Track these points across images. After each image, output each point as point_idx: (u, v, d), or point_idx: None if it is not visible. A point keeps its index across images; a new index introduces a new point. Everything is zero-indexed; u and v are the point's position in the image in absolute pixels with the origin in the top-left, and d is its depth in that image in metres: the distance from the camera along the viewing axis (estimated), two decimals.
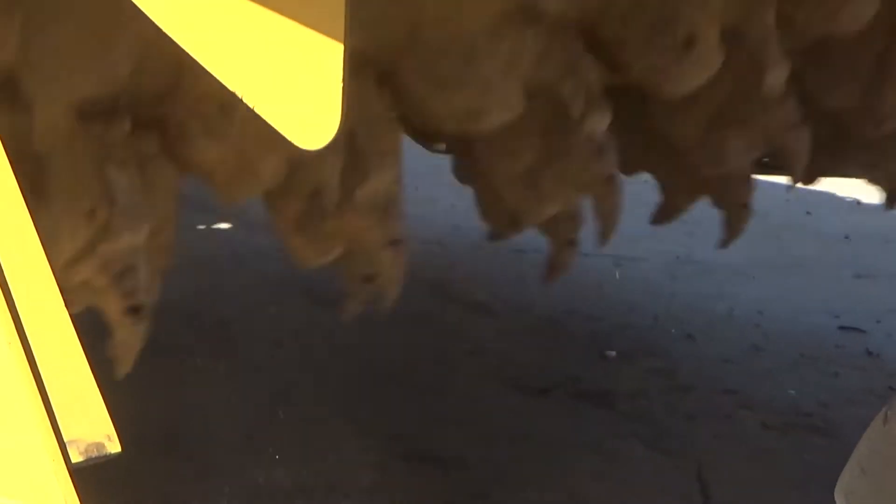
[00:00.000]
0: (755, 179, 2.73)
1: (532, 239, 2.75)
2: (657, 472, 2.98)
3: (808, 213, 5.20)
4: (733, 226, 2.74)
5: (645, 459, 3.02)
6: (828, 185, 3.21)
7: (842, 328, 4.12)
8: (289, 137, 1.10)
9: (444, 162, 2.75)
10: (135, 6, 1.05)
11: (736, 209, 2.71)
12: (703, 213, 2.86)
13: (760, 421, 3.33)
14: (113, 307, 2.06)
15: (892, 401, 1.38)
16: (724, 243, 2.83)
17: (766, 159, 2.69)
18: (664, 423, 3.28)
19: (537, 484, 2.82)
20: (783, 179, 2.87)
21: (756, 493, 2.86)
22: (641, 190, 2.88)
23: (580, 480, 2.88)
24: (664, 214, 2.86)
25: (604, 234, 2.64)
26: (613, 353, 3.80)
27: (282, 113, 1.09)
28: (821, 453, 3.06)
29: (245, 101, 1.17)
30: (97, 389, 1.42)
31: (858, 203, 5.12)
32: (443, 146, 2.68)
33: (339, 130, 1.02)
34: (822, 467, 2.70)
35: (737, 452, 3.10)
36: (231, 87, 1.13)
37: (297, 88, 1.08)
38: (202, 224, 4.27)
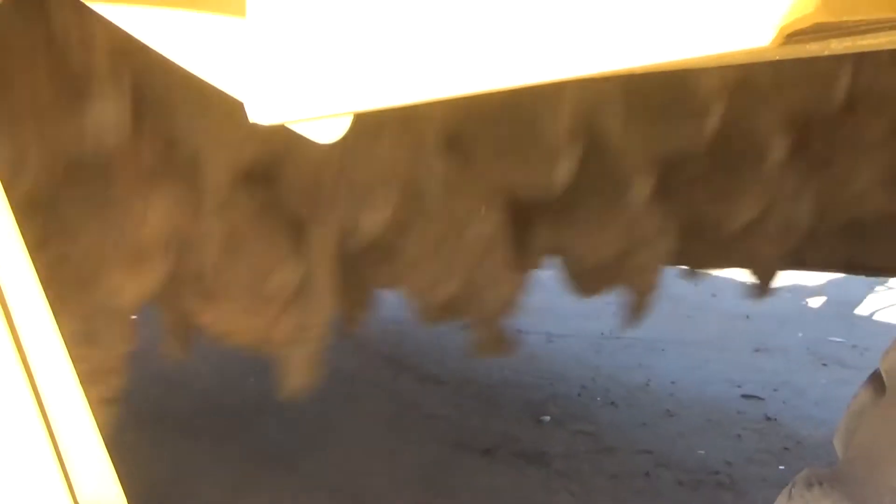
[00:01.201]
0: (663, 268, 2.76)
1: None
2: None
3: (713, 295, 5.48)
4: (640, 308, 2.80)
5: None
6: (730, 271, 3.47)
7: (743, 396, 4.36)
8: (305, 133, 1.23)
9: None
10: None
11: (644, 294, 2.76)
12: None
13: (675, 478, 3.54)
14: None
15: (796, 479, 1.34)
16: (634, 321, 2.86)
17: None
18: (592, 481, 3.48)
19: None
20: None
21: None
22: None
23: None
24: (587, 293, 2.86)
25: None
26: (547, 418, 4.00)
27: None
28: None
29: None
30: (106, 453, 1.37)
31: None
32: None
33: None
34: None
35: None
36: None
37: None
38: None
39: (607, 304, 3.38)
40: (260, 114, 1.13)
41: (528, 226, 2.58)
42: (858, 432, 1.27)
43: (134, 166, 1.89)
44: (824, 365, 4.83)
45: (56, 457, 1.51)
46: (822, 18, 0.71)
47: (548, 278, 2.96)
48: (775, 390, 4.46)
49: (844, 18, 0.75)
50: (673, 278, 3.09)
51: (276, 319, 2.18)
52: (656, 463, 3.69)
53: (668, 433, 3.99)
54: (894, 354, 1.30)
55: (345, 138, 1.14)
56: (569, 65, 0.82)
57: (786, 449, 3.85)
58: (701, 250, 2.82)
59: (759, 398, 4.38)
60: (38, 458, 1.48)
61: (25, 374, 1.29)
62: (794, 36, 0.72)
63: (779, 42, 0.69)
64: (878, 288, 5.75)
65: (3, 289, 1.32)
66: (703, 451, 3.81)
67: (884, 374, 1.28)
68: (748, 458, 3.76)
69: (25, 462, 1.47)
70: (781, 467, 3.66)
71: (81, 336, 1.86)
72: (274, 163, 2.08)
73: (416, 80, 0.99)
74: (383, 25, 1.02)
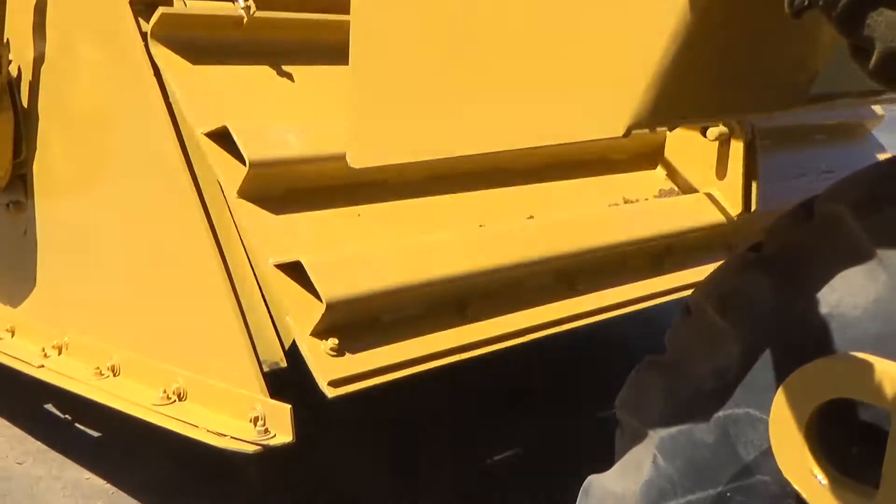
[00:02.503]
0: None
1: None
2: None
3: None
4: None
5: None
6: None
7: None
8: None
9: None
10: None
11: None
12: None
13: None
14: None
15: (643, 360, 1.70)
16: None
17: None
18: None
19: None
20: None
21: None
22: None
23: None
24: None
25: None
26: None
27: None
28: None
29: None
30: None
31: None
32: None
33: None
34: None
35: None
36: None
37: None
38: None
39: None
40: (357, 159, 1.45)
41: None
42: (673, 336, 1.63)
43: None
44: None
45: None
46: (655, 123, 1.15)
47: None
48: None
49: (669, 122, 1.14)
50: None
51: None
52: None
53: None
54: (697, 289, 1.63)
55: None
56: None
57: None
58: None
59: None
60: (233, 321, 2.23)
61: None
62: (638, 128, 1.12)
63: (628, 133, 1.11)
64: None
65: None
66: None
67: (689, 300, 1.62)
68: None
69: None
70: None
71: None
72: None
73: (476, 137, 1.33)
74: (457, 91, 1.28)
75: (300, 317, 2.17)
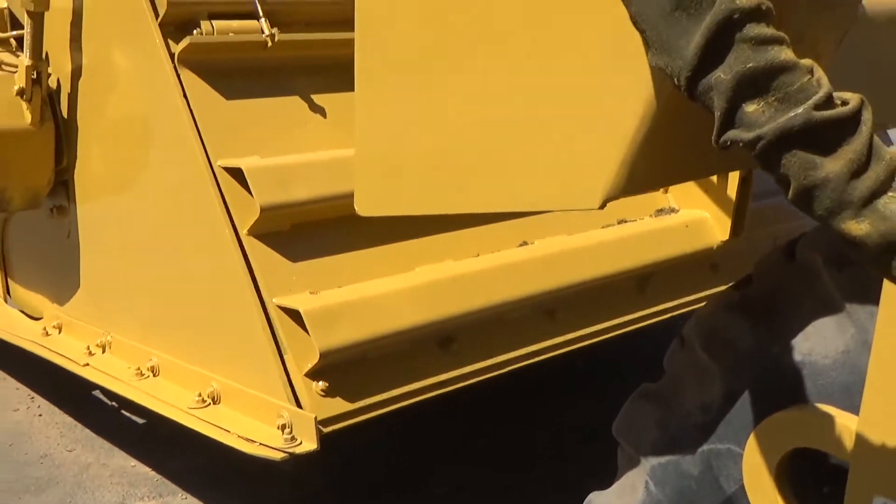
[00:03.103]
0: None
1: None
2: None
3: None
4: None
5: None
6: None
7: None
8: None
9: None
10: None
11: None
12: None
13: None
14: None
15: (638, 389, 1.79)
16: None
17: None
18: None
19: None
20: None
21: None
22: None
23: None
24: None
25: None
26: None
27: None
28: None
29: None
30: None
31: None
32: None
33: None
34: None
35: None
36: None
37: None
38: None
39: None
40: (365, 207, 1.51)
41: None
42: (668, 364, 1.71)
43: None
44: None
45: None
46: (630, 193, 1.20)
47: None
48: None
49: (644, 190, 1.22)
50: None
51: None
52: None
53: None
54: (690, 321, 1.69)
55: None
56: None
57: None
58: None
59: None
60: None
61: None
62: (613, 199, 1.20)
63: (602, 205, 1.20)
64: None
65: None
66: None
67: (684, 332, 1.68)
68: None
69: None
70: None
71: None
72: None
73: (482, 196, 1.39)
74: (461, 151, 1.35)
75: (297, 357, 2.33)
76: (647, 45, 0.98)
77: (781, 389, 1.42)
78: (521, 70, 1.25)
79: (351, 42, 2.61)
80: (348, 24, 2.64)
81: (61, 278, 3.16)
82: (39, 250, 3.29)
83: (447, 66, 1.36)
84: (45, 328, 3.25)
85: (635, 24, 0.98)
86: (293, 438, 2.34)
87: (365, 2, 1.47)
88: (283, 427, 2.36)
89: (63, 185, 2.99)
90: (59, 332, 3.23)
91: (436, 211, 1.50)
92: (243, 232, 2.38)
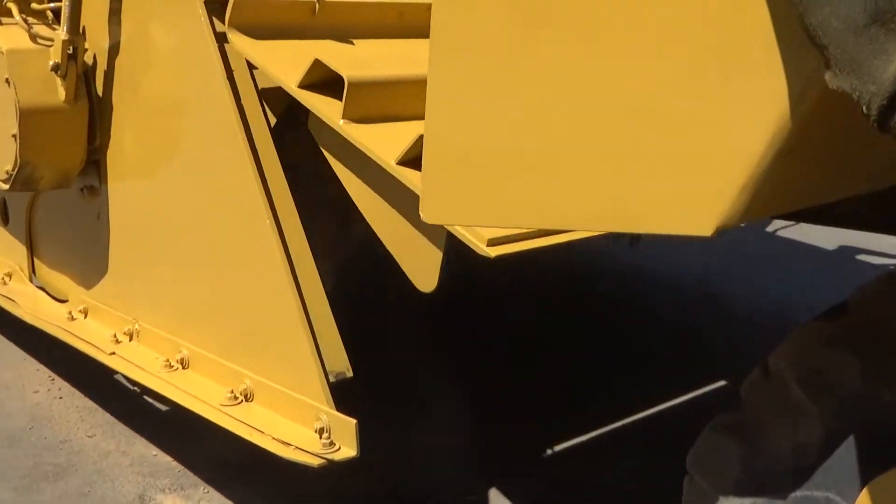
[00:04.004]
0: None
1: None
2: None
3: None
4: None
5: None
6: None
7: None
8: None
9: None
10: None
11: None
12: None
13: None
14: None
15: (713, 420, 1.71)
16: None
17: None
18: None
19: None
20: None
21: None
22: None
23: None
24: None
25: None
26: None
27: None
28: None
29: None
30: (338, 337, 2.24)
31: None
32: None
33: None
34: None
35: None
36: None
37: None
38: None
39: None
40: (430, 214, 1.43)
41: None
42: (750, 394, 1.60)
43: None
44: None
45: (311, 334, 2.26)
46: (741, 222, 1.10)
47: None
48: None
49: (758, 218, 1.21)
50: None
51: None
52: None
53: None
54: (780, 352, 1.58)
55: None
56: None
57: None
58: None
59: None
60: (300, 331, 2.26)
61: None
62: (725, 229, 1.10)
63: (716, 234, 1.10)
64: None
65: None
66: None
67: (770, 362, 1.58)
68: None
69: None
70: None
71: None
72: None
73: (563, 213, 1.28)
74: (552, 162, 1.23)
75: None
76: (827, 63, 0.84)
77: (894, 440, 1.29)
78: (630, 75, 1.13)
79: (400, 7, 2.49)
80: None
81: (89, 261, 3.04)
82: (67, 231, 3.17)
83: (539, 66, 1.23)
84: (70, 312, 3.14)
85: (812, 38, 0.84)
86: (332, 443, 2.23)
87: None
88: (320, 431, 2.25)
89: (95, 164, 2.86)
90: (85, 318, 3.12)
91: (515, 225, 1.39)
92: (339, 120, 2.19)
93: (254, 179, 2.28)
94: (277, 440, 2.30)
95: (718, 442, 1.59)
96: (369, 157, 2.04)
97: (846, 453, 1.36)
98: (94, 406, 3.67)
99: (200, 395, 2.55)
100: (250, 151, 2.29)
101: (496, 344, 4.50)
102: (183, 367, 2.68)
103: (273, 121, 2.37)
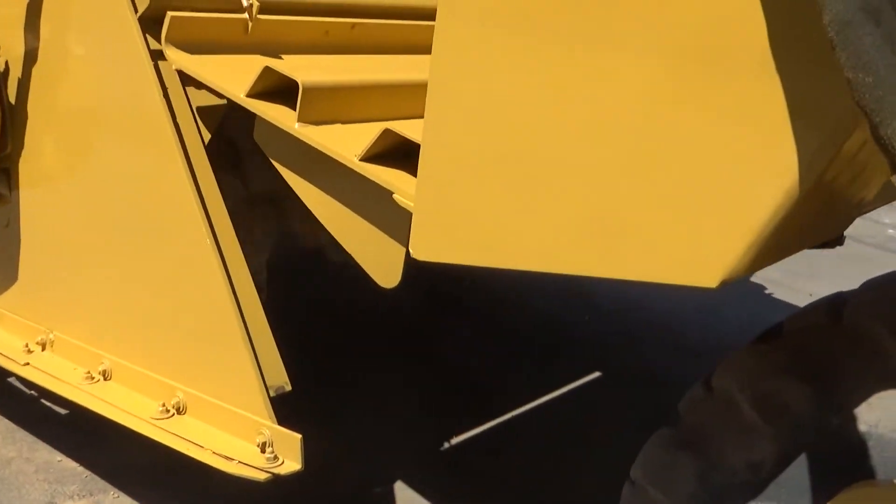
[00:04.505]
0: None
1: None
2: None
3: None
4: None
5: None
6: None
7: None
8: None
9: None
10: None
11: None
12: None
13: None
14: None
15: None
16: None
17: None
18: None
19: None
20: None
21: None
22: None
23: None
24: None
25: None
26: None
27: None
28: None
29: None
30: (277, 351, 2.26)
31: None
32: None
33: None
34: None
35: None
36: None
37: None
38: None
39: None
40: (421, 251, 1.46)
41: None
42: (692, 411, 1.73)
43: None
44: None
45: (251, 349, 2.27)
46: (743, 275, 1.17)
47: None
48: None
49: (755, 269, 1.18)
50: None
51: None
52: None
53: None
54: (723, 372, 1.69)
55: None
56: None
57: None
58: None
59: None
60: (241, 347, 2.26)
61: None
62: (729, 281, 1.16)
63: (720, 286, 1.15)
64: None
65: None
66: None
67: (713, 381, 1.69)
68: None
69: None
70: None
71: None
72: None
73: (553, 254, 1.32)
74: (540, 205, 1.29)
75: None
76: (894, 168, 0.93)
77: (844, 460, 1.44)
78: (644, 124, 1.18)
79: (327, 25, 2.53)
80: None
81: None
82: None
83: (543, 111, 1.28)
84: None
85: (884, 147, 0.89)
86: (276, 457, 2.28)
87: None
88: (263, 445, 2.29)
89: (4, 172, 2.79)
90: None
91: (511, 266, 1.45)
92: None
93: (192, 195, 2.29)
94: (219, 455, 2.33)
95: (671, 456, 1.73)
96: (325, 161, 2.05)
97: (798, 468, 1.50)
98: None
99: (128, 407, 2.54)
100: (187, 167, 2.30)
101: (387, 340, 4.59)
102: (105, 379, 2.66)
103: (207, 137, 2.38)
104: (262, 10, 2.40)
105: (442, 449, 3.68)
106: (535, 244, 1.37)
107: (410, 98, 2.19)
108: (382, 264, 2.09)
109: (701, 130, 1.14)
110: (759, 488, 1.56)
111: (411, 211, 1.73)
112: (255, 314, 2.34)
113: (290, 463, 2.25)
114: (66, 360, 2.78)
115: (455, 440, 3.72)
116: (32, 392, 3.61)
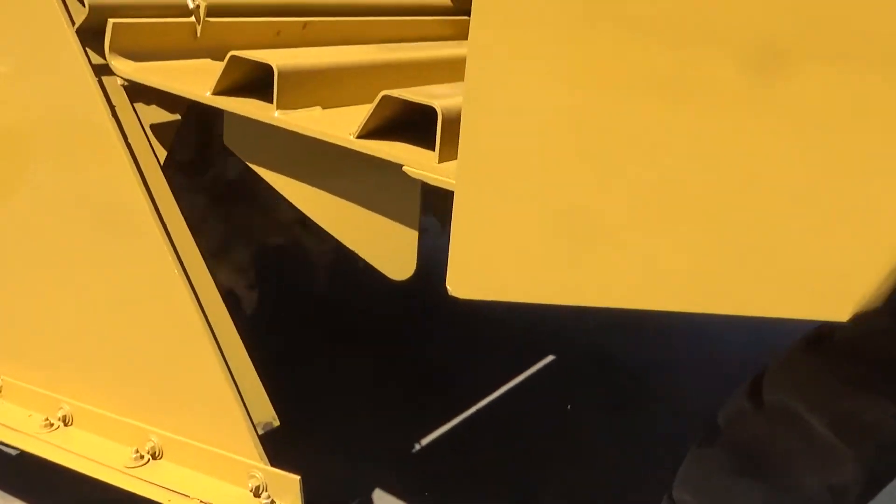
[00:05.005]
0: None
1: None
2: None
3: None
4: None
5: None
6: None
7: None
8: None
9: None
10: None
11: None
12: None
13: None
14: None
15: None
16: None
17: None
18: None
19: None
20: None
21: None
22: None
23: None
24: None
25: None
26: None
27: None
28: None
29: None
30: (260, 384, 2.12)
31: None
32: None
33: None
34: None
35: None
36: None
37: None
38: None
39: None
40: (458, 288, 1.33)
41: None
42: (742, 426, 1.61)
43: None
44: None
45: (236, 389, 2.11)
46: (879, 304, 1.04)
47: None
48: None
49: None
50: None
51: None
52: None
53: None
54: (775, 384, 1.59)
55: None
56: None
57: None
58: None
59: None
60: (224, 388, 2.10)
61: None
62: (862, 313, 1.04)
63: (853, 319, 1.04)
64: None
65: None
66: None
67: (766, 395, 1.58)
68: None
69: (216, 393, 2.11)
70: None
71: None
72: None
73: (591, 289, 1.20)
74: (605, 230, 1.12)
75: None
76: None
77: None
78: (764, 147, 1.04)
79: (278, 25, 2.32)
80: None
81: None
82: None
83: (621, 126, 1.12)
84: None
85: None
86: (272, 502, 2.09)
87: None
88: (257, 489, 2.10)
89: None
90: None
91: (566, 301, 1.30)
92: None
93: (153, 221, 2.08)
94: (207, 503, 2.13)
95: (732, 481, 1.58)
96: (312, 151, 1.85)
97: (892, 490, 1.39)
98: None
99: (96, 456, 2.33)
100: (145, 191, 2.08)
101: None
102: (65, 425, 2.44)
103: (162, 156, 2.16)
104: (209, 13, 2.18)
105: (412, 451, 3.63)
106: (599, 276, 1.23)
107: (388, 77, 2.04)
108: (393, 256, 1.90)
109: (839, 160, 1.00)
110: None
111: (426, 181, 1.59)
112: (233, 346, 2.15)
113: None
114: (16, 405, 2.53)
115: (425, 440, 3.67)
116: None
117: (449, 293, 1.37)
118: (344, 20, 2.60)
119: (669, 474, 1.74)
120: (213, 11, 2.20)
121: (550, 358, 4.45)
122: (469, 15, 1.23)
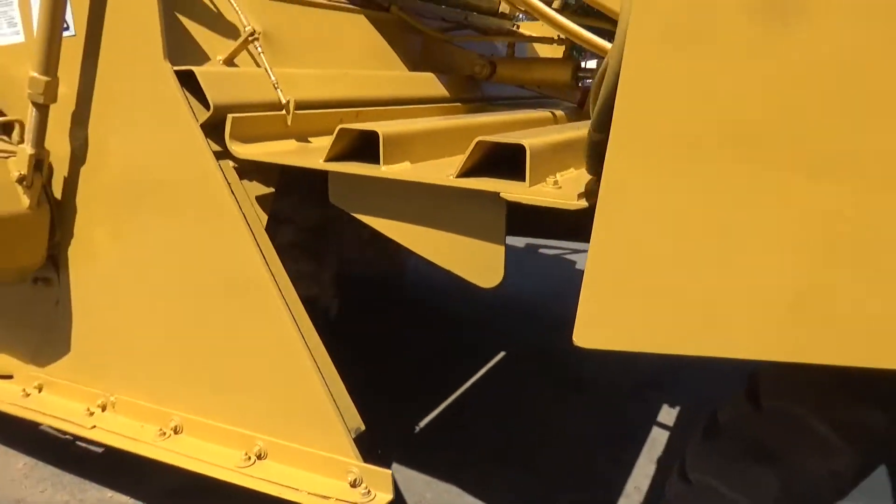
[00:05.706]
0: None
1: None
2: None
3: None
4: None
5: None
6: None
7: None
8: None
9: None
10: None
11: None
12: None
13: None
14: None
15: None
16: None
17: None
18: None
19: None
20: None
21: None
22: None
23: None
24: None
25: None
26: None
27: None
28: None
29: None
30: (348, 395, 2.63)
31: None
32: None
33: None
34: None
35: None
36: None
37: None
38: None
39: None
40: (584, 338, 1.44)
41: None
42: (739, 420, 1.82)
43: None
44: None
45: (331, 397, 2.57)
46: None
47: None
48: None
49: None
50: None
51: None
52: None
53: None
54: (778, 390, 1.76)
55: None
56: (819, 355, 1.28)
57: None
58: None
59: None
60: (322, 397, 2.58)
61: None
62: None
63: None
64: None
65: None
66: None
67: (765, 400, 1.78)
68: None
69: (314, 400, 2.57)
70: None
71: None
72: None
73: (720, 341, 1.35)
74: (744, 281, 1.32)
75: None
76: None
77: None
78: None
79: (357, 111, 3.00)
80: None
81: (43, 341, 3.21)
82: (12, 316, 3.31)
83: (768, 189, 1.21)
84: (24, 389, 3.29)
85: None
86: (369, 492, 2.64)
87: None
88: (354, 482, 2.65)
89: (51, 258, 3.04)
90: (40, 392, 3.29)
91: (698, 353, 1.37)
92: None
93: (262, 267, 2.58)
94: (314, 494, 2.67)
95: (747, 464, 1.76)
96: (411, 196, 2.39)
97: (879, 474, 1.57)
98: (34, 461, 3.80)
99: (211, 459, 2.86)
100: (256, 245, 2.61)
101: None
102: (176, 433, 2.97)
103: (264, 220, 2.69)
104: (296, 107, 2.77)
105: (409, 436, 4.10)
106: (740, 328, 1.33)
107: (452, 137, 2.71)
108: (483, 269, 2.34)
109: None
110: (844, 492, 1.62)
111: (522, 202, 1.97)
112: (325, 363, 2.68)
113: (383, 495, 2.62)
114: (131, 419, 3.06)
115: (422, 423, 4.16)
116: (67, 436, 3.83)
117: (575, 343, 1.48)
118: (386, 109, 3.33)
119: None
120: (298, 106, 2.79)
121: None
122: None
